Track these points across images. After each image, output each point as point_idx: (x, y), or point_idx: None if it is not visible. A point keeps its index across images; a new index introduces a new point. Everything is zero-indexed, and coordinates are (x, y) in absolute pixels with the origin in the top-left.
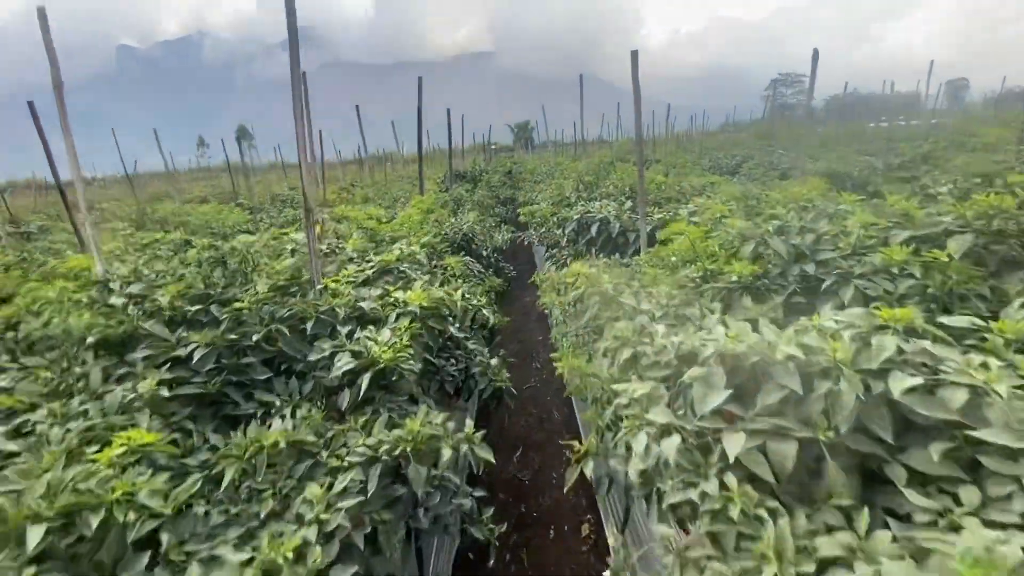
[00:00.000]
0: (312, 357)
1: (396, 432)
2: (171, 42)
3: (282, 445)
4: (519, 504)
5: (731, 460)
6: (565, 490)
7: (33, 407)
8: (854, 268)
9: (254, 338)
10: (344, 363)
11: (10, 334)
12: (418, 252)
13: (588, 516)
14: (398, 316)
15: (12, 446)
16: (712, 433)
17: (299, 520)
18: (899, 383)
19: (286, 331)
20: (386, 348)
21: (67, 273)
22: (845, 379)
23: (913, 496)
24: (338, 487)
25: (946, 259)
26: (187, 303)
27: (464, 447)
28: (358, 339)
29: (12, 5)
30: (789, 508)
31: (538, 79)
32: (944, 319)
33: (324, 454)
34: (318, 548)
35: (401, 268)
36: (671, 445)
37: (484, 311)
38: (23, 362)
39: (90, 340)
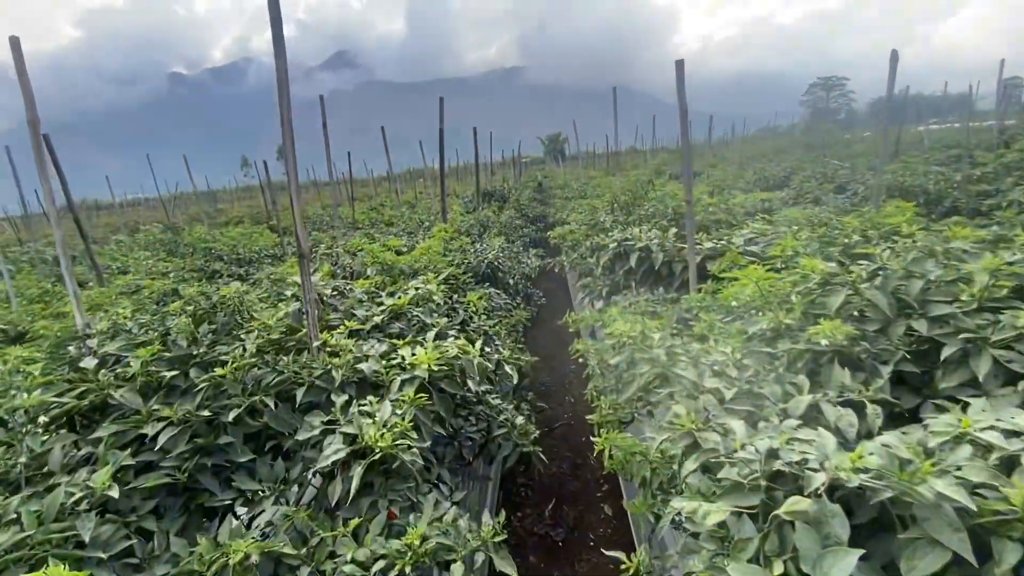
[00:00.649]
0: (301, 436)
1: (394, 543)
2: (218, 69)
3: (254, 559)
4: (551, 567)
5: None
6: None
7: None
8: (987, 331)
9: (232, 415)
10: (334, 450)
11: None
12: (435, 292)
13: None
14: (403, 384)
15: None
16: None
17: None
18: None
19: (272, 404)
20: (383, 432)
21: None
22: None
23: None
24: None
25: None
26: (165, 366)
27: (480, 556)
28: (355, 413)
29: (71, 32)
30: None
31: (569, 91)
32: None
33: (305, 571)
34: None
35: (414, 312)
36: None
37: (507, 367)
38: None
39: (43, 419)
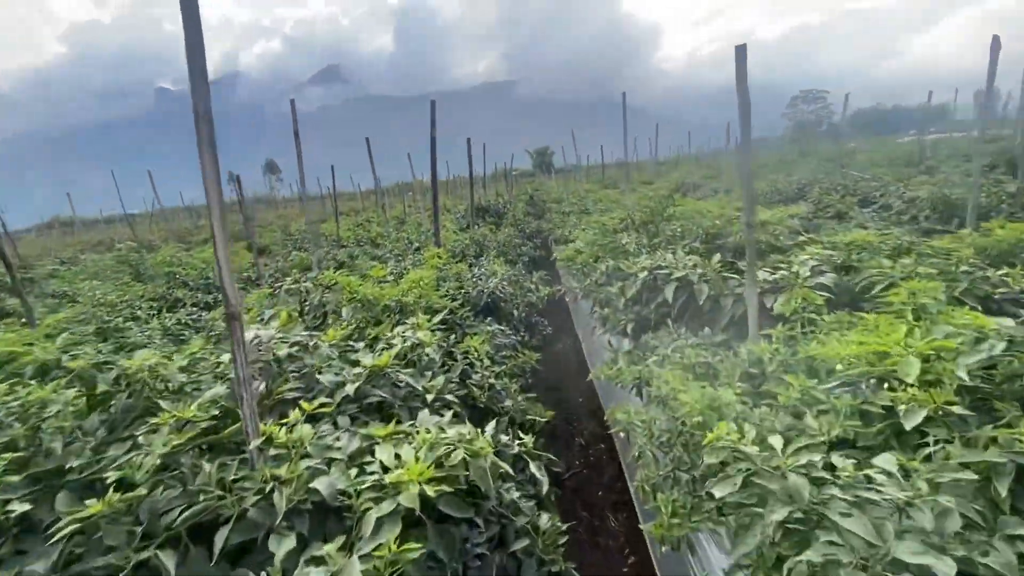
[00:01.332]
0: None
1: None
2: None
3: None
4: None
5: None
6: None
7: None
8: None
9: None
10: None
11: None
12: (428, 342)
13: None
14: (379, 524)
15: None
16: None
17: None
18: None
19: (166, 564)
20: None
21: None
22: None
23: None
24: None
25: None
26: (22, 487)
27: None
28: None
29: (56, 48)
30: None
31: (559, 105)
32: None
33: None
34: None
35: (401, 376)
36: None
37: (533, 467)
38: None
39: None
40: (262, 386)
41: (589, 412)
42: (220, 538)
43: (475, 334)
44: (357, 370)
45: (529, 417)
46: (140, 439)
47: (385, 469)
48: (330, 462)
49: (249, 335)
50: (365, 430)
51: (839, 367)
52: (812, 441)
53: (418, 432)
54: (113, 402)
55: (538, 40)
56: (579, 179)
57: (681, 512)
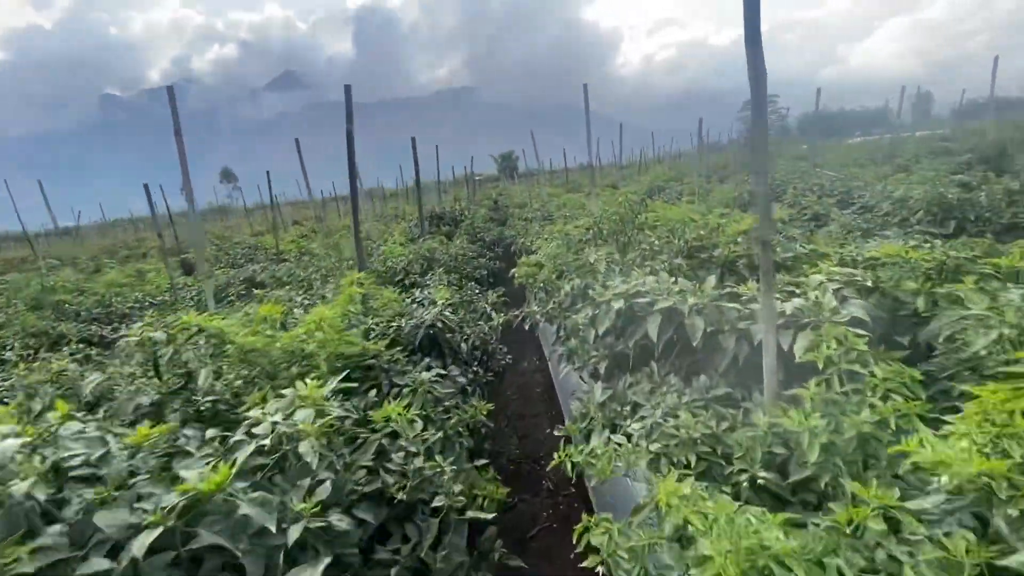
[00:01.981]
0: None
1: None
2: (155, 90)
3: None
4: None
5: None
6: None
7: None
8: None
9: None
10: None
11: None
12: (308, 430)
13: None
14: None
15: None
16: None
17: None
18: None
19: None
20: None
21: None
22: None
23: None
24: None
25: None
26: None
27: None
28: None
29: None
30: None
31: (520, 111)
32: None
33: None
34: None
35: (244, 511)
36: None
37: None
38: None
39: None
40: None
41: (548, 441)
42: None
43: (405, 386)
44: (172, 499)
45: (472, 515)
46: None
47: None
48: None
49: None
50: None
51: (944, 478)
52: None
53: None
54: None
55: (498, 47)
56: (542, 183)
57: None
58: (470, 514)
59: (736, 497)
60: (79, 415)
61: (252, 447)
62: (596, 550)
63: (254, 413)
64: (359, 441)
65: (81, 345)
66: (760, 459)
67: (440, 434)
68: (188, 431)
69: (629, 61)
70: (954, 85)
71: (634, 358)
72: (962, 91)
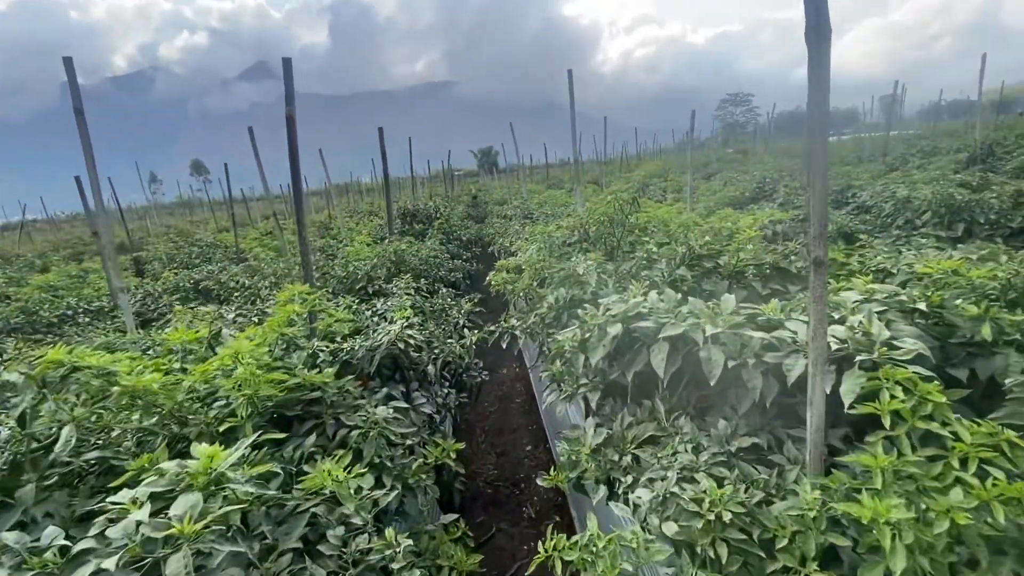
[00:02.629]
0: None
1: None
2: (120, 78)
3: None
4: None
5: None
6: None
7: None
8: None
9: None
10: None
11: None
12: (196, 535)
13: None
14: None
15: None
16: None
17: None
18: None
19: None
20: None
21: None
22: None
23: None
24: None
25: None
26: None
27: None
28: None
29: None
30: None
31: (500, 106)
32: None
33: None
34: None
35: None
36: None
37: None
38: None
39: None
40: None
41: (537, 468)
42: None
43: (355, 427)
44: None
45: None
46: None
47: None
48: None
49: None
50: None
51: None
52: None
53: None
54: None
55: (476, 41)
56: (522, 179)
57: None
58: None
59: None
60: None
61: (91, 569)
62: None
63: (121, 496)
64: (287, 509)
65: None
66: (815, 553)
67: (396, 491)
68: (9, 536)
69: (609, 58)
70: (920, 87)
71: (633, 389)
72: (939, 91)
